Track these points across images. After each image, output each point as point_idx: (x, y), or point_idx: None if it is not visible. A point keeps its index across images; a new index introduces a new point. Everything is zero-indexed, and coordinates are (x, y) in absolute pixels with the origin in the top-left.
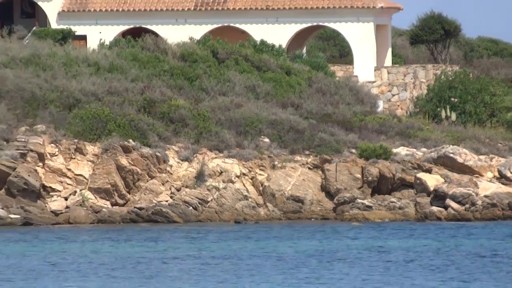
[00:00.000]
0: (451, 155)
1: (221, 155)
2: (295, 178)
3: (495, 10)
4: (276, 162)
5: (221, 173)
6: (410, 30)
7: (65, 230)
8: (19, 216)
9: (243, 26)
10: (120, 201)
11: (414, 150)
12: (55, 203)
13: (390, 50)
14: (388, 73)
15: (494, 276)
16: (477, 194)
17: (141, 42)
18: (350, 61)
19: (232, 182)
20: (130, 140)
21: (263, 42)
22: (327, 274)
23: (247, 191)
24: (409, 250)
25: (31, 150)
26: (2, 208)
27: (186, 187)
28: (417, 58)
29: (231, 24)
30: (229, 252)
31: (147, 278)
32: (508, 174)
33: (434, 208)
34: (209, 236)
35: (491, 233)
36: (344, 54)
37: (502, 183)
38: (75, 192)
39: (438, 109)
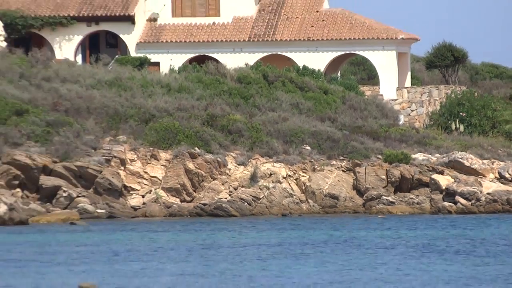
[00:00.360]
0: (460, 159)
1: (271, 160)
2: (332, 179)
3: (496, 40)
4: (316, 166)
5: (270, 175)
6: (425, 57)
7: (150, 223)
8: (104, 211)
9: (288, 54)
10: (188, 198)
11: (430, 155)
12: (134, 200)
13: (409, 73)
14: (408, 92)
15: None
16: (481, 192)
17: (204, 67)
18: (376, 83)
19: (280, 182)
20: (196, 148)
21: (305, 67)
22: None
23: (292, 189)
24: (425, 237)
25: (115, 157)
26: (91, 204)
27: (242, 186)
28: (432, 80)
29: (279, 53)
30: (283, 240)
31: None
32: (507, 175)
33: (446, 203)
34: (262, 226)
35: (491, 224)
36: (371, 77)
37: (502, 183)
38: (151, 191)
39: (449, 122)
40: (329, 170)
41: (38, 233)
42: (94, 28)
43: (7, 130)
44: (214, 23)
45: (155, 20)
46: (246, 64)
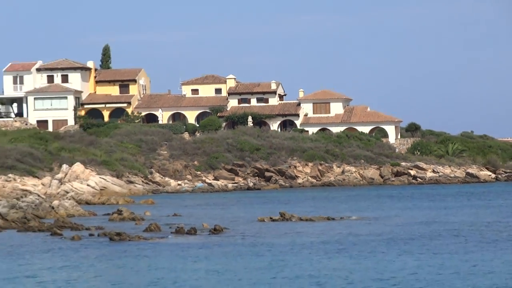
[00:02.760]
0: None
1: None
2: None
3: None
4: None
5: None
6: (405, 127)
7: None
8: None
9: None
10: None
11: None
12: None
13: (399, 134)
14: (399, 140)
15: None
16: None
17: None
18: (386, 136)
19: None
20: None
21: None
22: None
23: None
24: None
25: None
26: None
27: None
28: (407, 136)
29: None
30: None
31: None
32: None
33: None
34: None
35: None
36: (386, 135)
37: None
38: None
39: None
40: None
41: None
42: None
43: None
44: None
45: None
46: None
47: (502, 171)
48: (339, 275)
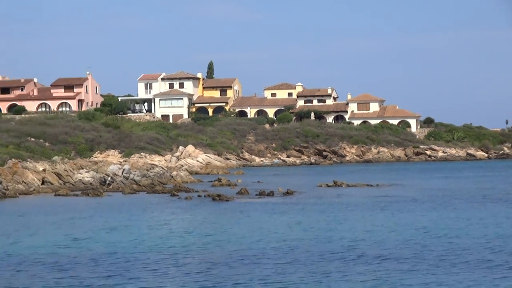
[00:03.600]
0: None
1: None
2: None
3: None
4: None
5: None
6: (422, 121)
7: None
8: None
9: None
10: None
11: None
12: None
13: (419, 124)
14: (418, 129)
15: None
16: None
17: None
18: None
19: None
20: None
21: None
22: None
23: None
24: None
25: None
26: None
27: None
28: (424, 126)
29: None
30: None
31: None
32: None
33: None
34: None
35: None
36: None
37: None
38: None
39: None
40: None
41: None
42: None
43: None
44: None
45: None
46: None
47: (493, 151)
48: (383, 225)
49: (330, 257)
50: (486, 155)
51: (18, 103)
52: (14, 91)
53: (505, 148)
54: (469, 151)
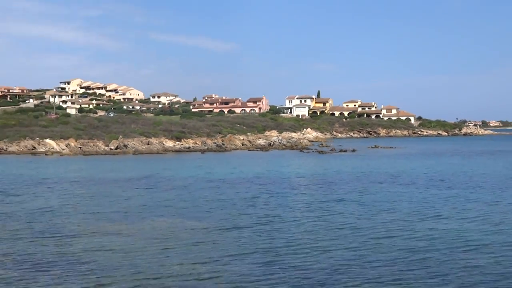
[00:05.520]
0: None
1: None
2: None
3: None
4: None
5: None
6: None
7: None
8: None
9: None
10: None
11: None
12: None
13: (414, 118)
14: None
15: None
16: None
17: None
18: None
19: None
20: None
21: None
22: None
23: None
24: None
25: None
26: None
27: None
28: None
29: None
30: None
31: None
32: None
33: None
34: None
35: None
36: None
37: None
38: None
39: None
40: None
41: None
42: None
43: None
44: None
45: None
46: None
47: (450, 133)
48: (400, 165)
49: (376, 179)
50: (446, 134)
51: (232, 109)
52: (230, 103)
53: (456, 131)
54: (439, 132)
